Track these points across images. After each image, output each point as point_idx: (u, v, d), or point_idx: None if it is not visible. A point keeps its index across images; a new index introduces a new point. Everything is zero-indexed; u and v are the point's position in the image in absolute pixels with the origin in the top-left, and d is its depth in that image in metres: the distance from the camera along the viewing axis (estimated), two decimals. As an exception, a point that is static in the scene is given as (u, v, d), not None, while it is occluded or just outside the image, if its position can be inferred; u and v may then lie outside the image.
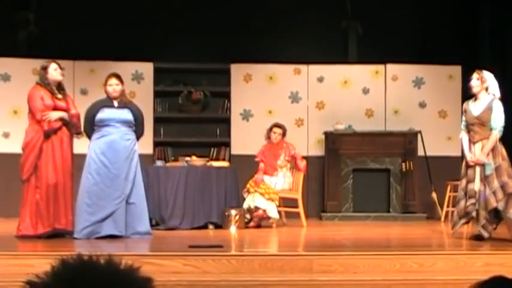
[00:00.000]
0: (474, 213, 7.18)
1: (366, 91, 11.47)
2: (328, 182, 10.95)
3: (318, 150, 11.30)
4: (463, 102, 11.25)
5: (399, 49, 11.50)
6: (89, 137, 7.66)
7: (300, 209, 9.67)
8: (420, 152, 10.89)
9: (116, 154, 7.52)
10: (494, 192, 7.01)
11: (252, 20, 11.54)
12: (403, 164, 10.81)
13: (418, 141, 10.93)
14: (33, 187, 7.29)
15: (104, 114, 7.59)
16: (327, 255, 6.04)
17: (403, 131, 11.09)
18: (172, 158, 11.10)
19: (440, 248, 6.86)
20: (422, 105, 11.42)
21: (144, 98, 10.96)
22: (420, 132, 10.97)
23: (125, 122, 7.65)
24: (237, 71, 11.48)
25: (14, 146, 10.82)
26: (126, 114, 7.68)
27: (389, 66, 11.49)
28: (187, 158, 9.62)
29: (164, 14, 11.49)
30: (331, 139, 11.00)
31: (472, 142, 7.31)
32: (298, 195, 9.72)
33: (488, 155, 7.12)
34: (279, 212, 9.46)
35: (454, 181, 9.65)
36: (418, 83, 11.48)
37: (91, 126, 7.63)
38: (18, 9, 11.08)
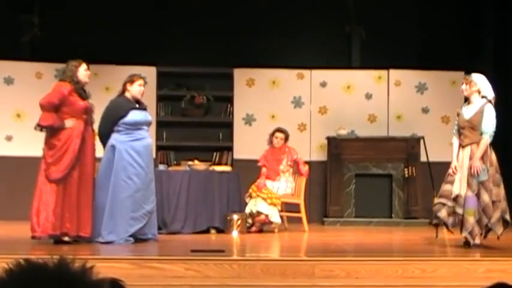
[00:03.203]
0: (443, 214, 7.11)
1: (368, 96, 11.47)
2: (330, 187, 10.95)
3: (320, 155, 11.30)
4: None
5: (402, 54, 11.50)
6: (104, 137, 7.51)
7: (302, 214, 9.66)
8: (423, 158, 10.88)
9: (150, 158, 7.56)
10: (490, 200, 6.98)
11: (255, 24, 11.54)
12: (406, 169, 10.80)
13: (421, 147, 10.92)
14: (63, 188, 7.12)
15: (135, 116, 7.49)
16: (329, 261, 6.04)
17: (406, 137, 11.09)
18: (175, 162, 11.10)
19: (442, 254, 6.85)
20: (425, 110, 11.42)
21: (147, 102, 10.86)
22: (423, 137, 10.96)
23: (148, 124, 7.69)
24: (240, 75, 11.49)
25: (16, 149, 10.86)
26: (148, 117, 7.72)
27: (392, 71, 11.49)
28: (190, 162, 9.62)
29: (167, 18, 11.51)
30: (334, 144, 11.00)
31: (461, 146, 7.29)
32: (301, 200, 9.71)
33: (484, 160, 7.09)
34: (281, 217, 9.46)
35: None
36: (421, 88, 11.48)
37: (112, 127, 7.48)
38: (21, 12, 11.10)
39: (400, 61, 11.39)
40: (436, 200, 7.27)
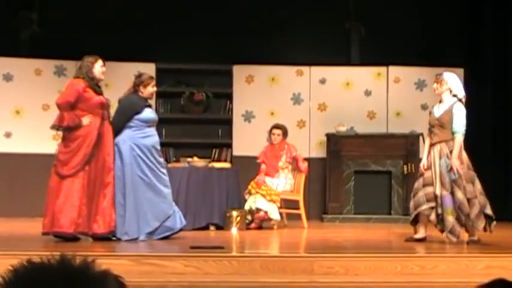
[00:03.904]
0: (432, 217, 7.17)
1: (368, 93, 11.47)
2: (329, 184, 10.95)
3: (319, 152, 11.30)
4: (465, 104, 11.32)
5: (401, 51, 11.49)
6: (117, 131, 7.48)
7: (302, 211, 9.67)
8: (422, 155, 10.87)
9: (160, 154, 7.64)
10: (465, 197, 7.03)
11: (254, 21, 11.54)
12: (405, 166, 10.80)
13: (420, 144, 10.91)
14: (81, 183, 7.07)
15: (149, 114, 7.61)
16: (328, 257, 6.04)
17: (405, 133, 11.08)
18: (174, 159, 11.10)
19: (441, 251, 6.86)
20: (424, 107, 11.41)
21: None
22: (422, 134, 10.95)
23: (156, 123, 7.80)
24: (239, 72, 11.49)
25: (16, 145, 10.86)
26: (156, 116, 7.84)
27: (392, 68, 11.49)
28: (189, 159, 9.62)
29: (167, 15, 11.50)
30: (333, 141, 11.00)
31: (431, 144, 7.36)
32: (300, 197, 9.71)
33: (459, 159, 7.14)
34: (280, 214, 9.46)
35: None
36: (420, 85, 11.47)
37: (126, 122, 7.50)
38: (21, 9, 11.09)
39: (399, 58, 11.39)
40: (424, 205, 7.26)
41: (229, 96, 11.48)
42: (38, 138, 10.85)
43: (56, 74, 11.15)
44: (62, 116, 7.18)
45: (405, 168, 10.80)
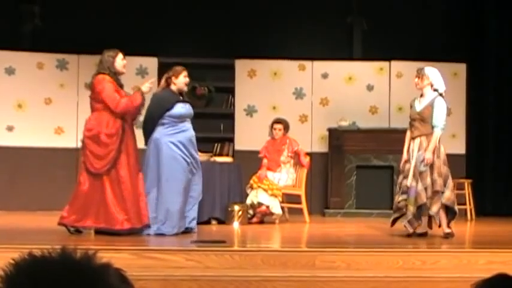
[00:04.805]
0: (405, 209, 7.25)
1: (370, 88, 11.46)
2: (331, 179, 10.95)
3: (321, 147, 11.30)
4: (467, 99, 11.32)
5: (404, 46, 11.48)
6: (149, 131, 7.49)
7: (303, 205, 9.67)
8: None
9: (195, 148, 7.65)
10: (426, 189, 7.12)
11: (256, 15, 11.52)
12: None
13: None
14: (111, 181, 7.03)
15: (181, 109, 7.57)
16: (329, 252, 6.04)
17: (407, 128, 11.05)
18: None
19: (443, 246, 6.86)
20: (426, 102, 11.40)
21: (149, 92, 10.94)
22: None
23: (191, 117, 7.76)
24: (242, 66, 11.48)
25: (18, 139, 10.87)
26: (191, 109, 7.81)
27: (394, 63, 11.48)
28: (191, 153, 9.61)
29: (169, 8, 11.49)
30: (335, 135, 10.99)
31: (411, 138, 7.41)
32: (302, 192, 9.71)
33: (434, 152, 7.18)
34: (282, 208, 9.47)
35: (458, 179, 9.65)
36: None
37: (157, 120, 7.48)
38: (23, 2, 11.08)
39: (401, 52, 11.37)
40: (399, 197, 7.34)
41: (231, 91, 11.47)
42: (40, 132, 10.86)
43: (57, 67, 11.15)
44: (127, 106, 7.10)
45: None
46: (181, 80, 7.64)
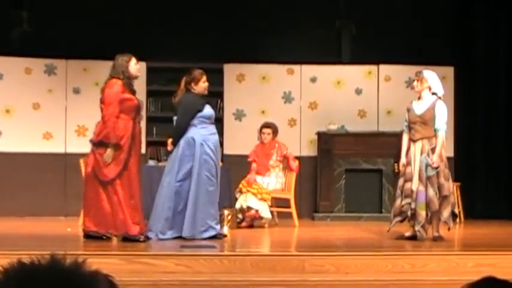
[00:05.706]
0: (409, 213, 7.25)
1: (358, 91, 11.48)
2: (320, 183, 10.95)
3: (310, 151, 11.31)
4: (455, 103, 11.34)
5: (392, 50, 11.50)
6: (182, 132, 7.49)
7: (292, 209, 9.67)
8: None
9: (219, 152, 7.75)
10: (436, 194, 7.12)
11: (245, 19, 11.52)
12: (396, 164, 10.78)
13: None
14: (123, 186, 6.98)
15: (209, 110, 7.66)
16: (319, 256, 6.05)
17: (396, 132, 11.02)
18: (165, 158, 11.07)
19: (432, 249, 6.88)
20: (415, 106, 11.43)
21: (137, 97, 10.92)
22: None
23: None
24: (230, 70, 11.48)
25: (6, 144, 10.82)
26: (214, 112, 7.89)
27: (382, 66, 11.50)
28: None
29: (157, 13, 11.47)
30: (324, 139, 11.00)
31: (412, 141, 7.42)
32: (291, 196, 9.72)
33: (440, 156, 7.21)
34: (271, 212, 9.46)
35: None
36: (411, 83, 11.47)
37: (190, 121, 7.52)
38: (11, 7, 11.04)
39: (390, 56, 11.40)
40: (403, 201, 7.33)
41: (220, 95, 11.46)
42: (28, 137, 10.82)
43: (46, 72, 11.11)
44: (107, 131, 6.98)
45: (396, 167, 10.78)
46: (201, 86, 7.71)
